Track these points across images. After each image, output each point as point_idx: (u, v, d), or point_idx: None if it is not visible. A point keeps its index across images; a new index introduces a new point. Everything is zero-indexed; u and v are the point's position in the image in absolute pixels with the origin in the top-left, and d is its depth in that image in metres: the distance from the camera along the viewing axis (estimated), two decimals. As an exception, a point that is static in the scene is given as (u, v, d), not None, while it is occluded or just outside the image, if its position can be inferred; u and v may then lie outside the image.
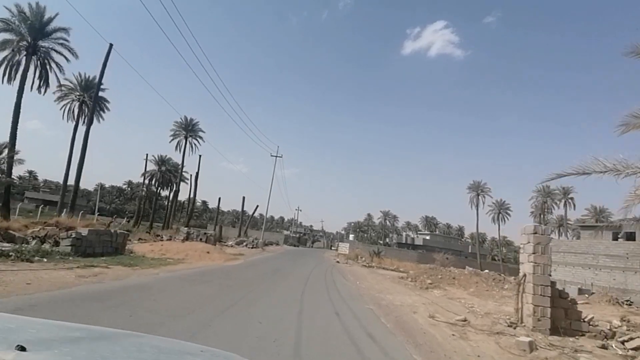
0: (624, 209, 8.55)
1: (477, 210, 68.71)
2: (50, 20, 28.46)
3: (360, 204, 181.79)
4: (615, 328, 9.09)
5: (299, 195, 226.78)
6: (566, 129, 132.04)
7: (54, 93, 40.73)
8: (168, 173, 62.09)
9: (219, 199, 66.93)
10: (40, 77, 29.43)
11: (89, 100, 41.89)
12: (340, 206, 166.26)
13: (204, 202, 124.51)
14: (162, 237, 23.40)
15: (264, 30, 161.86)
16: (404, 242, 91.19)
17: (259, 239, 40.43)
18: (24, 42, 27.66)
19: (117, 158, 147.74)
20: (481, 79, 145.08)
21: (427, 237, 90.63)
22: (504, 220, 74.05)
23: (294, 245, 75.95)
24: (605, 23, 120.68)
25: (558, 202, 64.67)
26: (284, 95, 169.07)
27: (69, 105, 41.96)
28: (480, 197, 68.60)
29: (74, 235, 12.44)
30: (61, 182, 37.37)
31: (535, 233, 9.13)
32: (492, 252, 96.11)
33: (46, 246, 13.07)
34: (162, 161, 63.31)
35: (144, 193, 63.68)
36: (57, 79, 31.10)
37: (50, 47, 29.51)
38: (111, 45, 30.85)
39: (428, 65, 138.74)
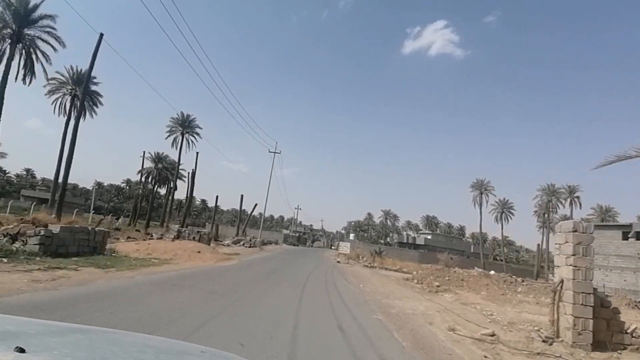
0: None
1: (481, 209, 67.40)
2: (36, 7, 27.06)
3: (360, 204, 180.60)
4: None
5: (299, 194, 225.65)
6: (566, 129, 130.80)
7: (44, 87, 39.50)
8: (165, 170, 60.71)
9: (217, 197, 65.77)
10: (25, 67, 28.05)
11: (81, 94, 40.56)
12: (340, 206, 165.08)
13: (203, 201, 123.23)
14: (152, 236, 22.01)
15: (263, 30, 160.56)
16: (405, 241, 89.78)
17: (256, 238, 39.03)
18: (8, 30, 26.26)
19: (116, 157, 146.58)
20: (481, 78, 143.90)
21: (429, 237, 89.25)
22: (508, 220, 72.73)
23: (294, 245, 74.54)
24: (606, 23, 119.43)
25: (563, 201, 63.27)
26: (284, 95, 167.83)
27: (60, 99, 40.67)
28: (483, 195, 67.13)
29: (42, 233, 11.04)
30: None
31: (575, 231, 7.71)
32: (493, 252, 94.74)
33: (17, 244, 11.71)
34: (158, 158, 61.92)
35: (140, 191, 62.38)
36: (44, 69, 29.70)
37: (36, 35, 28.14)
38: (101, 35, 29.47)
39: (428, 64, 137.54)
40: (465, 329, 7.98)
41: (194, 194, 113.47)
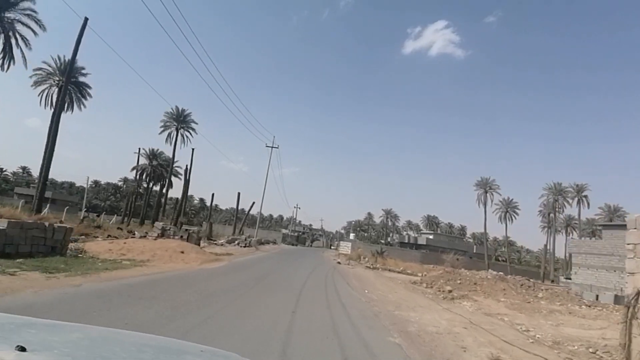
0: None
1: (485, 208, 65.40)
2: (15, -13, 25.09)
3: (360, 203, 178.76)
4: None
5: (299, 194, 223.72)
6: (566, 130, 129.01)
7: (30, 77, 37.55)
8: (160, 167, 58.72)
9: (212, 194, 63.93)
10: (4, 52, 26.11)
11: (70, 86, 38.61)
12: (340, 205, 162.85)
13: (202, 200, 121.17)
14: (134, 234, 20.09)
15: (263, 30, 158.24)
16: (406, 241, 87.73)
17: (252, 237, 37.09)
18: (-16, 12, 24.33)
19: (115, 155, 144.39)
20: (482, 78, 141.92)
21: (431, 237, 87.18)
22: (512, 219, 70.81)
23: (292, 244, 72.61)
24: (607, 23, 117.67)
25: (571, 201, 61.30)
26: (284, 95, 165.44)
27: (47, 91, 38.66)
28: (488, 194, 65.14)
29: (-18, 229, 9.09)
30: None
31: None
32: (495, 253, 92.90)
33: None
34: (153, 155, 59.92)
35: (133, 189, 60.42)
36: (23, 55, 27.67)
37: (16, 18, 26.20)
38: (86, 19, 27.52)
39: (429, 64, 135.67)
40: (511, 356, 6.04)
41: (192, 193, 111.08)
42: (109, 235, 19.42)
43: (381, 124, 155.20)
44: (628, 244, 6.69)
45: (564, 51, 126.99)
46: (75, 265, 9.67)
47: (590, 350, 7.22)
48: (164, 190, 56.11)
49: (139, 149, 57.14)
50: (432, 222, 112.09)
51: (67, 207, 39.83)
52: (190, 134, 52.48)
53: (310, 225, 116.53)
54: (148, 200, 59.37)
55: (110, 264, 11.01)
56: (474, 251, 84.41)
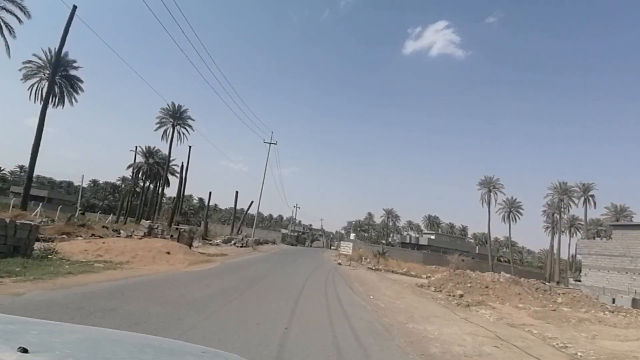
0: None
1: (489, 207, 64.02)
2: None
3: (360, 204, 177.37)
4: None
5: (299, 194, 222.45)
6: (567, 131, 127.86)
7: (19, 70, 36.20)
8: (156, 166, 57.36)
9: (210, 193, 62.29)
10: (-16, 40, 24.76)
11: (60, 79, 37.25)
12: (340, 205, 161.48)
13: (201, 200, 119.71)
14: (119, 233, 18.70)
15: (263, 30, 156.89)
16: (407, 241, 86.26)
17: (249, 237, 35.69)
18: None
19: (114, 154, 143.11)
20: (482, 79, 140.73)
21: (432, 237, 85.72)
22: (516, 220, 69.42)
23: (292, 244, 71.22)
24: (607, 24, 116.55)
25: (577, 201, 59.88)
26: (284, 95, 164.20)
27: (37, 85, 37.27)
28: (492, 193, 63.71)
29: None
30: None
31: None
32: (497, 253, 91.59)
33: None
34: (149, 153, 58.59)
35: (129, 187, 59.07)
36: (6, 43, 26.29)
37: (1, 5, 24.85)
38: (74, 7, 26.25)
39: (429, 65, 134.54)
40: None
41: (192, 193, 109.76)
42: (92, 235, 18.02)
43: (381, 124, 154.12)
44: None
45: (564, 52, 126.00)
46: (34, 268, 8.29)
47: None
48: (157, 188, 54.81)
49: (136, 147, 55.87)
50: (433, 222, 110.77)
51: (61, 206, 38.58)
52: (187, 130, 51.11)
53: (310, 225, 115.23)
54: (144, 199, 58.04)
55: (79, 266, 9.63)
56: (477, 252, 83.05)
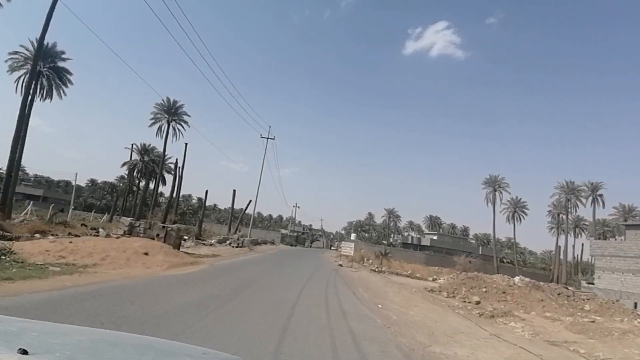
0: None
1: (494, 207, 62.17)
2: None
3: (360, 204, 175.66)
4: None
5: (299, 195, 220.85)
6: (566, 131, 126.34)
7: (5, 62, 34.56)
8: (152, 163, 55.71)
9: (206, 191, 60.48)
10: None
11: (48, 71, 35.58)
12: (340, 206, 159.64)
13: (200, 200, 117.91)
14: (98, 232, 17.04)
15: (264, 30, 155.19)
16: (409, 242, 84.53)
17: (245, 237, 34.01)
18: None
19: (115, 155, 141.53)
20: (482, 79, 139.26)
21: (435, 238, 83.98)
22: (520, 220, 67.73)
23: (291, 245, 69.51)
24: (608, 25, 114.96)
25: (584, 200, 58.07)
26: (284, 95, 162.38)
27: (24, 77, 35.58)
28: (497, 193, 61.94)
29: None
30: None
31: None
32: (499, 254, 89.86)
33: None
34: (145, 150, 56.93)
35: (125, 186, 57.49)
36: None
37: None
38: (59, -10, 24.60)
39: (429, 65, 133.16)
40: None
41: (191, 193, 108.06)
42: (69, 233, 16.38)
43: (381, 124, 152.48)
44: None
45: (565, 53, 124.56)
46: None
47: None
48: (148, 186, 53.19)
49: (132, 144, 54.21)
50: (434, 223, 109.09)
51: (53, 204, 37.01)
52: (182, 127, 49.30)
53: (310, 225, 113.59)
54: (137, 197, 56.41)
55: (30, 270, 7.95)
56: (480, 252, 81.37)
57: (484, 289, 16.48)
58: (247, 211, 59.89)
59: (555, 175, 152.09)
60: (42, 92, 35.12)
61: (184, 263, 12.64)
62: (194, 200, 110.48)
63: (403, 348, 5.81)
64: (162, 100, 48.28)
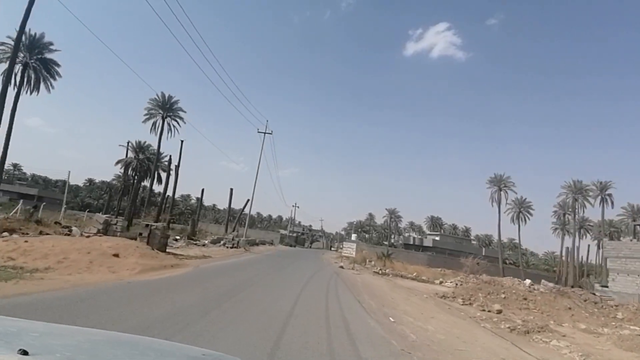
0: None
1: (499, 207, 60.46)
2: None
3: (360, 204, 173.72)
4: None
5: (299, 195, 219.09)
6: (567, 132, 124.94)
7: (-11, 53, 32.91)
8: (147, 161, 54.01)
9: (202, 190, 58.84)
10: None
11: (35, 62, 33.94)
12: (340, 206, 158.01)
13: (198, 200, 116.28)
14: (70, 231, 15.36)
15: (264, 31, 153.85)
16: (411, 243, 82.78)
17: (241, 237, 32.30)
18: None
19: (114, 154, 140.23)
20: (483, 80, 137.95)
21: (437, 238, 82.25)
22: (525, 220, 65.99)
23: (290, 245, 67.75)
24: (608, 26, 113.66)
25: (592, 200, 56.33)
26: (284, 95, 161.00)
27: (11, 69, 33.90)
28: (502, 192, 60.21)
29: None
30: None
31: None
32: (502, 255, 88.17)
33: None
34: (139, 148, 55.21)
35: (120, 184, 55.91)
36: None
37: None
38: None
39: (430, 66, 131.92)
40: None
41: (190, 193, 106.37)
42: (40, 232, 14.70)
43: (381, 125, 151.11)
44: None
45: (565, 53, 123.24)
46: None
47: None
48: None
49: (128, 142, 52.54)
50: (436, 224, 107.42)
51: (44, 203, 35.47)
52: (178, 123, 47.61)
53: (310, 226, 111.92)
54: (135, 196, 54.76)
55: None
56: (483, 254, 79.64)
57: (503, 295, 14.78)
58: (245, 211, 58.21)
59: (555, 175, 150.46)
60: (29, 84, 33.56)
61: (162, 266, 10.92)
62: (192, 201, 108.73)
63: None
64: (157, 95, 46.51)
